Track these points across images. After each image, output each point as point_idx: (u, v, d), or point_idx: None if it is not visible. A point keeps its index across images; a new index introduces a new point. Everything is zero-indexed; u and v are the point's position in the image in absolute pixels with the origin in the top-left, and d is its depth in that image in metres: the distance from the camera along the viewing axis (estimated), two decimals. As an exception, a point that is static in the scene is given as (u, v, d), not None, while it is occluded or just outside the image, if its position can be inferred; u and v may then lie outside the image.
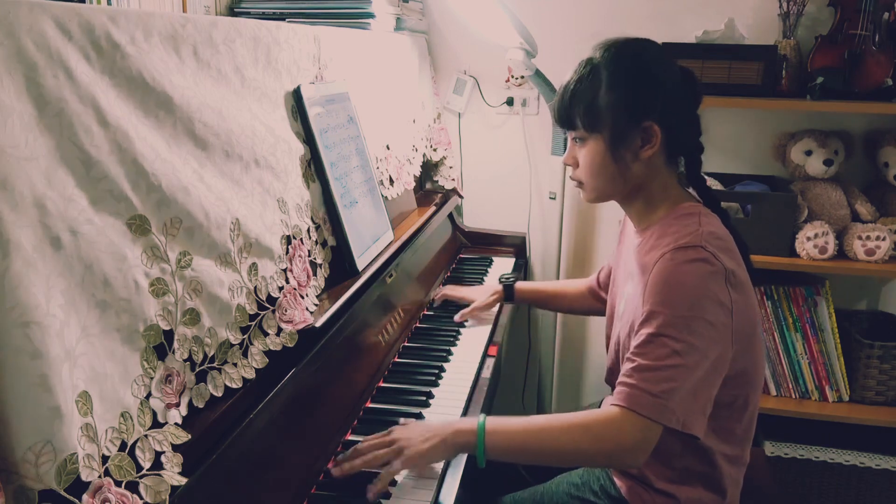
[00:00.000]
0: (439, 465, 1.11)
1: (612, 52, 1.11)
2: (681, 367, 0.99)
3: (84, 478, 0.66)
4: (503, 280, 1.72)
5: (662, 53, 1.14)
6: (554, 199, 2.23)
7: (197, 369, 0.88)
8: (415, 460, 1.04)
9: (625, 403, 1.01)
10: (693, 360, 1.00)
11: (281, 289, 1.09)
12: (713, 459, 1.13)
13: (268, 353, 1.01)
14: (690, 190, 1.22)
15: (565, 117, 1.15)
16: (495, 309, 1.72)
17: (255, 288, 1.02)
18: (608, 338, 1.31)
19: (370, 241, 1.44)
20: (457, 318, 1.65)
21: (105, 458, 0.70)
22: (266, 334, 1.03)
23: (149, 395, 0.79)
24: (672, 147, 1.14)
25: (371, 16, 1.66)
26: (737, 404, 1.12)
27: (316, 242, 1.25)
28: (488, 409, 1.36)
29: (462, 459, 1.12)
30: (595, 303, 1.60)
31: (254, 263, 1.02)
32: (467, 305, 1.68)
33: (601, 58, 1.11)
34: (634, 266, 1.16)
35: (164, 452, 0.78)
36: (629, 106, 1.10)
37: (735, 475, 1.17)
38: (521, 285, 1.70)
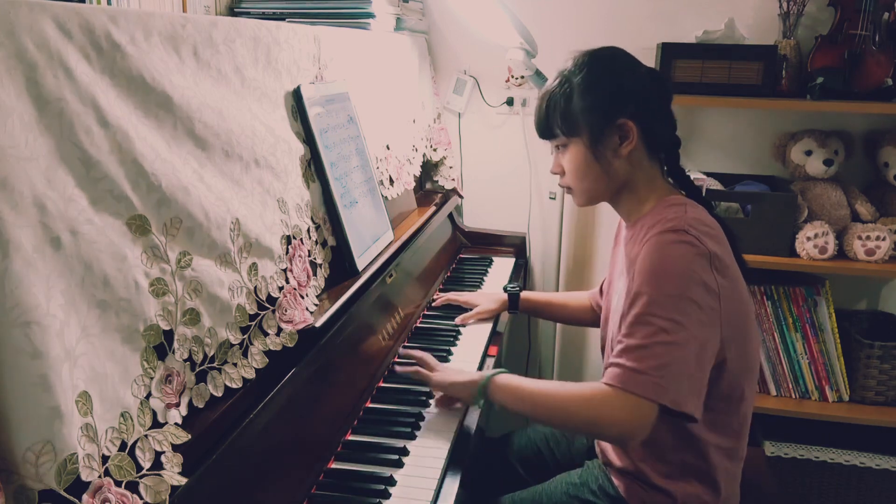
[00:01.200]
0: (440, 465, 1.11)
1: (580, 62, 1.18)
2: (669, 343, 1.01)
3: (84, 478, 0.66)
4: (508, 290, 1.71)
5: (629, 57, 1.19)
6: (554, 199, 2.23)
7: (197, 369, 0.88)
8: (444, 385, 1.26)
9: (615, 382, 1.02)
10: (681, 338, 1.01)
11: (281, 289, 1.09)
12: (707, 453, 1.14)
13: (268, 353, 1.01)
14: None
15: (545, 127, 1.21)
16: (497, 312, 1.72)
17: (255, 288, 1.02)
18: (603, 339, 1.31)
19: (370, 241, 1.44)
20: (458, 320, 1.65)
21: (105, 458, 0.70)
22: (266, 334, 1.03)
23: (149, 395, 0.79)
24: (650, 143, 1.18)
25: (371, 16, 1.66)
26: (734, 396, 1.13)
27: (316, 242, 1.25)
28: (488, 410, 1.36)
29: (462, 460, 1.12)
30: (598, 315, 1.60)
31: (254, 263, 1.02)
32: (470, 309, 1.68)
33: (571, 68, 1.18)
34: (624, 259, 1.18)
35: (164, 452, 0.78)
36: (601, 106, 1.15)
37: (731, 469, 1.18)
38: (525, 295, 1.70)
